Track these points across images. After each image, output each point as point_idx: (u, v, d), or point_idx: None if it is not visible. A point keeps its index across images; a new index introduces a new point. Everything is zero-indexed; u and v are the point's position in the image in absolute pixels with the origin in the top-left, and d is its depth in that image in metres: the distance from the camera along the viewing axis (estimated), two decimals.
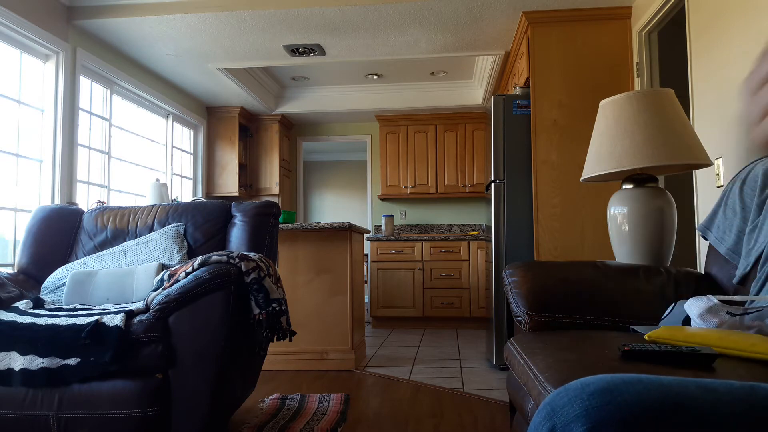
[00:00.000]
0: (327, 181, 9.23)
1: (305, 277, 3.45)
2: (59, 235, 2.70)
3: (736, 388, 0.50)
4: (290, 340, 2.01)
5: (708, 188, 2.42)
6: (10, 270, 3.27)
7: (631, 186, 2.07)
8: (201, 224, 2.59)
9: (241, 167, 6.01)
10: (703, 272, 1.68)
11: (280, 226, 3.41)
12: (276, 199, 6.11)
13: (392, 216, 5.82)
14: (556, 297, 1.55)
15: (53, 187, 3.55)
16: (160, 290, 1.85)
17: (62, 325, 1.72)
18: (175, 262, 2.40)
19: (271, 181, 6.18)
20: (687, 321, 1.30)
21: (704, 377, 0.77)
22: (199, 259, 1.90)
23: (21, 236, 2.79)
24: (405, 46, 4.19)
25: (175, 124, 5.29)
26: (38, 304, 2.20)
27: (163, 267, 2.34)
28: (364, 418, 2.34)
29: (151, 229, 2.62)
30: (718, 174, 2.31)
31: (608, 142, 1.99)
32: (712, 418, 0.47)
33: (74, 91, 3.72)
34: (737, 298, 1.27)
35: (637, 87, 3.35)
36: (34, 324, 1.75)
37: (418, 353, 3.94)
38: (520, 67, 3.92)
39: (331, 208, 9.12)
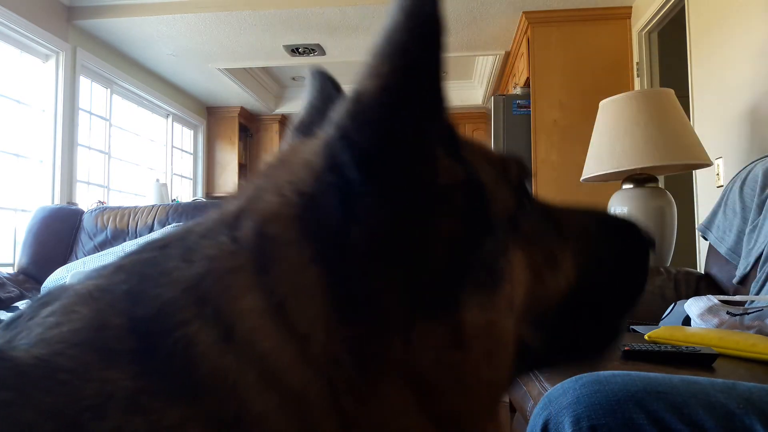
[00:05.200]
0: None
1: None
2: (59, 235, 2.70)
3: (717, 384, 0.53)
4: None
5: (708, 188, 2.42)
6: (10, 270, 3.27)
7: (631, 186, 2.07)
8: None
9: (241, 167, 6.01)
10: (703, 272, 1.68)
11: None
12: None
13: None
14: None
15: (53, 187, 3.55)
16: None
17: None
18: None
19: None
20: (687, 321, 1.30)
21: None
22: None
23: (21, 236, 2.79)
24: None
25: (175, 124, 5.29)
26: None
27: None
28: None
29: (151, 229, 2.62)
30: (718, 174, 2.31)
31: (608, 142, 1.99)
32: (690, 405, 0.49)
33: (74, 91, 3.72)
34: (737, 298, 1.27)
35: (637, 87, 3.35)
36: None
37: None
38: (520, 67, 3.92)
39: None
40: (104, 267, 0.25)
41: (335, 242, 0.24)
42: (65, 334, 0.21)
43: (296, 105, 6.00)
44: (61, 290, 0.24)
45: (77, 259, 2.61)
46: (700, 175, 2.52)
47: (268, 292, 0.23)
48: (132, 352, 0.21)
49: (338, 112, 0.25)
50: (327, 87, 0.39)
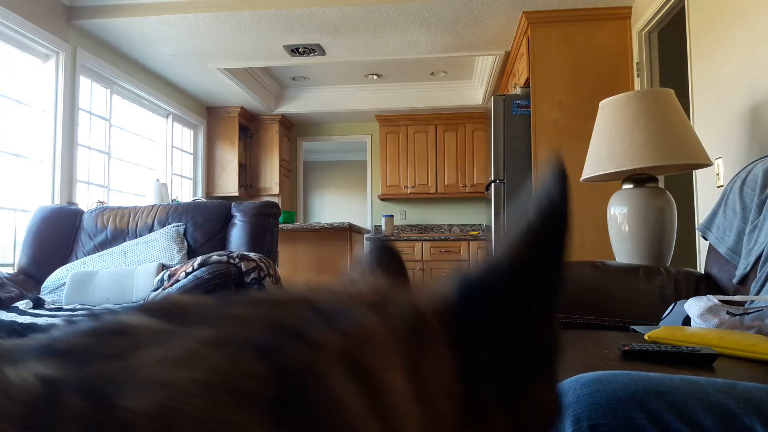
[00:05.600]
0: (327, 181, 9.23)
1: (305, 277, 3.45)
2: (59, 235, 2.70)
3: (717, 384, 0.53)
4: None
5: (708, 188, 2.42)
6: (10, 270, 3.27)
7: (631, 186, 2.07)
8: (201, 224, 2.59)
9: (241, 167, 6.01)
10: (703, 272, 1.68)
11: (280, 226, 3.41)
12: (276, 199, 6.11)
13: (392, 216, 5.82)
14: None
15: (53, 187, 3.55)
16: (160, 290, 1.86)
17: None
18: (175, 262, 2.40)
19: (271, 181, 6.18)
20: (687, 321, 1.30)
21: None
22: (199, 259, 1.91)
23: (21, 236, 2.79)
24: (405, 46, 4.19)
25: (175, 124, 5.29)
26: (38, 304, 2.20)
27: (163, 267, 2.34)
28: None
29: (151, 229, 2.63)
30: (718, 174, 2.31)
31: (608, 142, 1.99)
32: (690, 405, 0.50)
33: (74, 91, 3.72)
34: (737, 298, 1.28)
35: (637, 87, 3.35)
36: (34, 324, 1.75)
37: None
38: (520, 67, 3.92)
39: (331, 208, 9.11)
40: (199, 330, 0.24)
41: (468, 355, 0.28)
42: (193, 376, 0.20)
43: (296, 105, 6.00)
44: (157, 335, 0.23)
45: (77, 259, 2.61)
46: (700, 175, 2.52)
47: (413, 372, 0.25)
48: (271, 401, 0.20)
49: (473, 272, 0.30)
50: (395, 259, 0.44)
